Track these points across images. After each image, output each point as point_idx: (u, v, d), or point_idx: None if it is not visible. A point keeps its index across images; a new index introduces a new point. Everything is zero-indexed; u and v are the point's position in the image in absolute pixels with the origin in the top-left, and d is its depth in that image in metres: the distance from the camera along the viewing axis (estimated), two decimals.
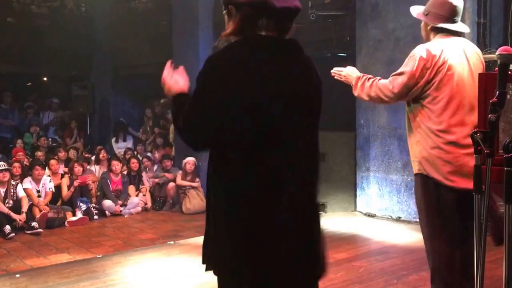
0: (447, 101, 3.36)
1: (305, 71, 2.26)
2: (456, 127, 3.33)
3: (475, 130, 2.57)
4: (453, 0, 3.52)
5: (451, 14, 3.53)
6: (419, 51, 3.47)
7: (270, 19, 2.10)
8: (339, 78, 3.75)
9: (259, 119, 2.03)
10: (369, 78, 3.63)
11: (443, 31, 3.55)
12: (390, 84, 3.51)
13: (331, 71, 3.74)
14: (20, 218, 7.40)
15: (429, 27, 3.61)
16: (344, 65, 3.84)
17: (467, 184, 3.06)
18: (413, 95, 3.45)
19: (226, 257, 2.09)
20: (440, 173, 3.32)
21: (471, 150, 2.63)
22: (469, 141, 2.65)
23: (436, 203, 3.43)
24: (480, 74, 3.01)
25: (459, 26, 3.55)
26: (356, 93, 3.64)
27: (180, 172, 9.25)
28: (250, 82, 2.02)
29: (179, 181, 9.12)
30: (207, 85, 2.07)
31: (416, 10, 3.69)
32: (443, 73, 3.38)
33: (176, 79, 2.36)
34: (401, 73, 3.51)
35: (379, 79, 3.60)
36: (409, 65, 3.50)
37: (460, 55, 3.45)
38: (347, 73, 3.71)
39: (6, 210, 7.35)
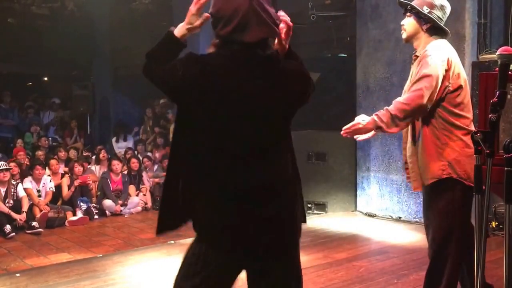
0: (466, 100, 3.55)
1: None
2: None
3: (476, 130, 2.58)
4: (448, 5, 3.59)
5: (445, 19, 3.59)
6: (438, 59, 3.42)
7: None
8: (359, 132, 3.53)
9: None
10: (385, 109, 3.50)
11: (439, 33, 3.57)
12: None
13: (343, 133, 3.52)
14: (21, 217, 7.40)
15: (426, 27, 3.57)
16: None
17: None
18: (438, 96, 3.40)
19: None
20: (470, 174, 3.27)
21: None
22: None
23: (466, 207, 3.48)
24: (480, 74, 3.03)
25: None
26: (391, 129, 3.55)
27: None
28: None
29: None
30: None
31: (412, 3, 3.65)
32: (456, 74, 3.43)
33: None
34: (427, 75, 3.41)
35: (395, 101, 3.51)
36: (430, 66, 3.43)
37: (456, 56, 3.54)
38: (361, 121, 3.46)
39: (6, 210, 7.35)
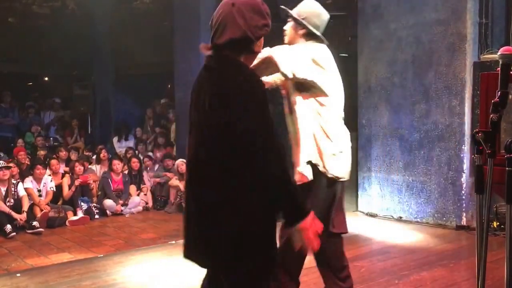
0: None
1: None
2: None
3: (476, 130, 2.57)
4: (326, 14, 3.88)
5: (322, 26, 3.83)
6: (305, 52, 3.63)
7: None
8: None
9: None
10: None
11: (314, 38, 3.79)
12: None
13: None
14: (21, 217, 7.40)
15: (302, 32, 3.77)
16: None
17: None
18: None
19: None
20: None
21: None
22: None
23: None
24: (482, 74, 3.02)
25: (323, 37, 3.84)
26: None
27: (176, 175, 9.29)
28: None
29: (174, 182, 9.14)
30: None
31: (291, 10, 3.82)
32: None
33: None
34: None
35: None
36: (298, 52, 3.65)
37: (332, 60, 3.78)
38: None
39: (7, 210, 7.34)
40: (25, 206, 7.58)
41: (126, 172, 9.41)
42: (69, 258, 5.99)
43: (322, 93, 3.61)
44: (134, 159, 9.61)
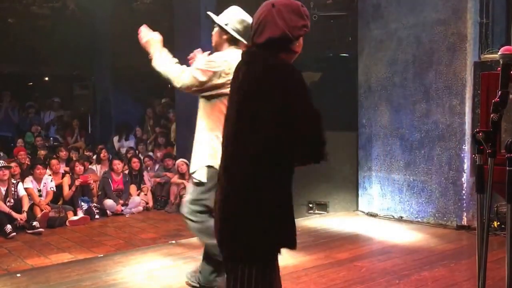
0: None
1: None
2: None
3: (477, 129, 2.57)
4: (249, 19, 3.92)
5: (246, 31, 3.95)
6: (219, 60, 3.89)
7: None
8: (141, 40, 4.27)
9: None
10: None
11: (238, 43, 3.99)
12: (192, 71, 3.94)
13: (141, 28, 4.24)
14: (21, 217, 7.40)
15: (226, 37, 4.01)
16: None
17: None
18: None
19: None
20: None
21: None
22: None
23: None
24: (482, 74, 3.02)
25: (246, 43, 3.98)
26: (155, 62, 4.07)
27: (177, 174, 9.29)
28: None
29: (176, 180, 9.15)
30: None
31: (215, 17, 4.09)
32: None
33: None
34: (202, 70, 3.92)
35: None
36: (206, 63, 3.93)
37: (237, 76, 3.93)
38: (152, 36, 4.21)
39: (7, 210, 7.35)
40: (25, 206, 7.59)
41: (126, 172, 9.42)
42: (69, 258, 5.99)
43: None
44: (134, 159, 9.61)
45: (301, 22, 2.49)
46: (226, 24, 3.99)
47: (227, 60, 3.87)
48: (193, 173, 4.02)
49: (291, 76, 2.37)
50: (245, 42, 3.97)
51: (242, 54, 2.59)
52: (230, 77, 3.68)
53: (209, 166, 3.89)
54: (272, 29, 2.44)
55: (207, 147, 3.93)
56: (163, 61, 4.02)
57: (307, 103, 2.37)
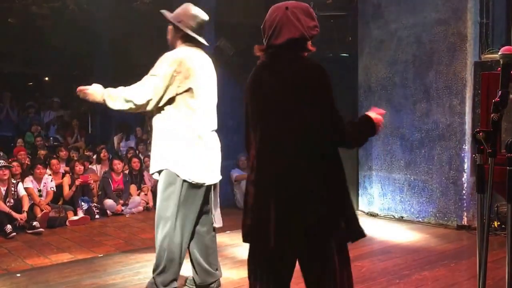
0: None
1: None
2: None
3: (477, 129, 2.57)
4: (203, 15, 4.06)
5: (200, 27, 4.03)
6: (172, 60, 3.87)
7: None
8: (84, 96, 4.18)
9: None
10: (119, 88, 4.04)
11: (192, 41, 4.02)
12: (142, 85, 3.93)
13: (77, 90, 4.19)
14: (21, 217, 7.39)
15: (180, 34, 4.03)
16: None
17: None
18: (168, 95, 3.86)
19: None
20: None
21: None
22: None
23: None
24: (482, 74, 3.02)
25: (203, 39, 4.07)
26: (111, 104, 4.04)
27: None
28: None
29: None
30: None
31: (168, 14, 4.11)
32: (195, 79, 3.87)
33: None
34: (154, 75, 3.88)
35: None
36: (161, 70, 3.87)
37: (206, 64, 4.06)
38: (93, 88, 4.15)
39: (7, 209, 7.34)
40: (26, 206, 7.58)
41: (126, 172, 9.41)
42: (69, 258, 5.99)
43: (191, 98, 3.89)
44: (134, 159, 9.61)
45: (313, 22, 2.67)
46: (179, 22, 4.00)
47: (178, 58, 3.87)
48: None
49: (327, 73, 2.59)
50: (199, 39, 4.02)
51: (264, 57, 2.69)
52: (182, 75, 3.79)
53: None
54: (290, 30, 2.58)
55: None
56: (114, 97, 4.01)
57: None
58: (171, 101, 3.90)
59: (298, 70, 2.58)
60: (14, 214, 7.35)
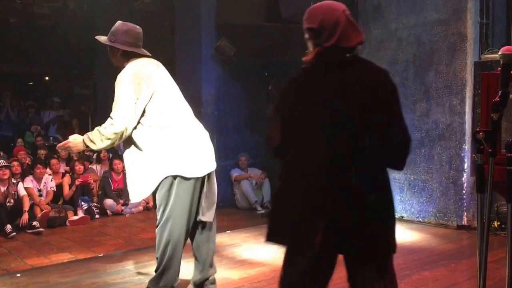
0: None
1: None
2: None
3: (477, 129, 2.57)
4: (135, 28, 4.05)
5: (136, 40, 4.03)
6: (127, 77, 3.90)
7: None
8: (68, 151, 4.17)
9: None
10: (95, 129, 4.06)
11: (134, 55, 4.01)
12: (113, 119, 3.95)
13: (58, 147, 4.23)
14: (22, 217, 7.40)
15: (119, 53, 4.03)
16: None
17: None
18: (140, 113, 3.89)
19: None
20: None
21: None
22: None
23: None
24: (482, 74, 3.02)
25: (143, 50, 4.07)
26: (96, 147, 4.05)
27: None
28: None
29: None
30: None
31: (103, 38, 4.08)
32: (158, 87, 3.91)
33: None
34: (120, 97, 3.92)
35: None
36: (122, 91, 3.92)
37: (158, 66, 4.09)
38: (72, 140, 4.11)
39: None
40: (26, 206, 7.58)
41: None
42: (69, 258, 5.99)
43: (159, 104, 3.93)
44: None
45: None
46: (113, 42, 4.00)
47: (130, 73, 3.90)
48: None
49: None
50: (139, 51, 4.03)
51: (325, 58, 2.54)
52: (143, 84, 3.82)
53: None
54: (357, 34, 2.53)
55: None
56: (96, 141, 4.00)
57: None
58: (142, 114, 3.92)
59: (376, 75, 2.51)
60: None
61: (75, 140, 4.08)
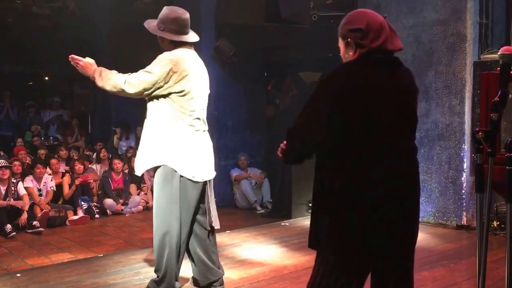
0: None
1: None
2: None
3: (477, 129, 2.57)
4: (182, 14, 4.11)
5: (183, 27, 4.07)
6: (169, 59, 3.91)
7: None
8: (75, 66, 4.13)
9: None
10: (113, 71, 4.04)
11: (181, 44, 4.04)
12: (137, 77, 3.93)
13: (71, 57, 4.12)
14: (22, 218, 7.40)
15: (167, 41, 4.06)
16: None
17: None
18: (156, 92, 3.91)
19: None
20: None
21: None
22: None
23: None
24: (482, 74, 3.03)
25: (191, 36, 4.11)
26: (100, 84, 3.97)
27: None
28: None
29: None
30: None
31: (150, 24, 4.15)
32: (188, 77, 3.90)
33: None
34: (149, 72, 3.90)
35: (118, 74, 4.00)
36: (156, 67, 3.91)
37: (200, 66, 4.13)
38: (87, 61, 4.05)
39: (4, 203, 7.33)
40: (26, 205, 7.58)
41: (126, 171, 9.41)
42: (69, 257, 5.99)
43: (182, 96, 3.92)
44: (134, 158, 9.61)
45: None
46: (162, 30, 4.05)
47: (175, 58, 3.89)
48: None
49: None
50: (187, 39, 4.06)
51: (389, 59, 2.78)
52: (178, 75, 3.82)
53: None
54: (398, 40, 2.77)
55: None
56: (105, 78, 3.95)
57: None
58: (166, 98, 3.92)
59: (411, 75, 2.83)
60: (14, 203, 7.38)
61: (89, 65, 4.04)
